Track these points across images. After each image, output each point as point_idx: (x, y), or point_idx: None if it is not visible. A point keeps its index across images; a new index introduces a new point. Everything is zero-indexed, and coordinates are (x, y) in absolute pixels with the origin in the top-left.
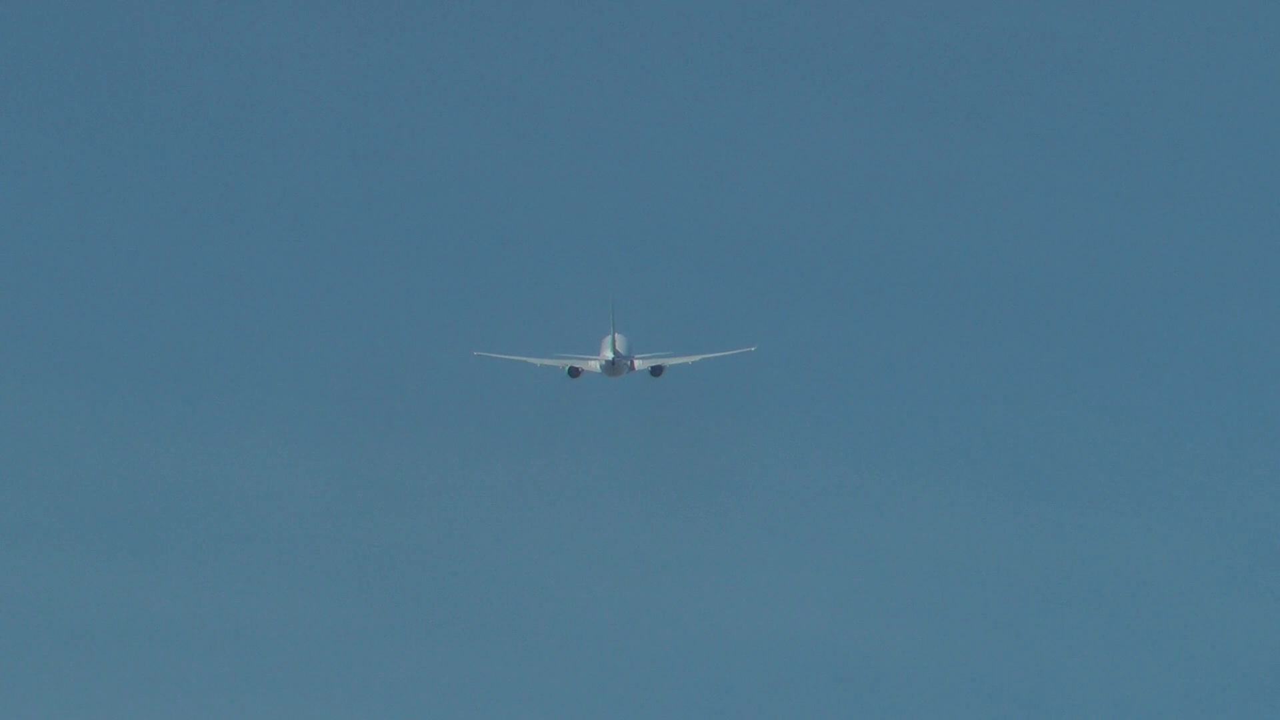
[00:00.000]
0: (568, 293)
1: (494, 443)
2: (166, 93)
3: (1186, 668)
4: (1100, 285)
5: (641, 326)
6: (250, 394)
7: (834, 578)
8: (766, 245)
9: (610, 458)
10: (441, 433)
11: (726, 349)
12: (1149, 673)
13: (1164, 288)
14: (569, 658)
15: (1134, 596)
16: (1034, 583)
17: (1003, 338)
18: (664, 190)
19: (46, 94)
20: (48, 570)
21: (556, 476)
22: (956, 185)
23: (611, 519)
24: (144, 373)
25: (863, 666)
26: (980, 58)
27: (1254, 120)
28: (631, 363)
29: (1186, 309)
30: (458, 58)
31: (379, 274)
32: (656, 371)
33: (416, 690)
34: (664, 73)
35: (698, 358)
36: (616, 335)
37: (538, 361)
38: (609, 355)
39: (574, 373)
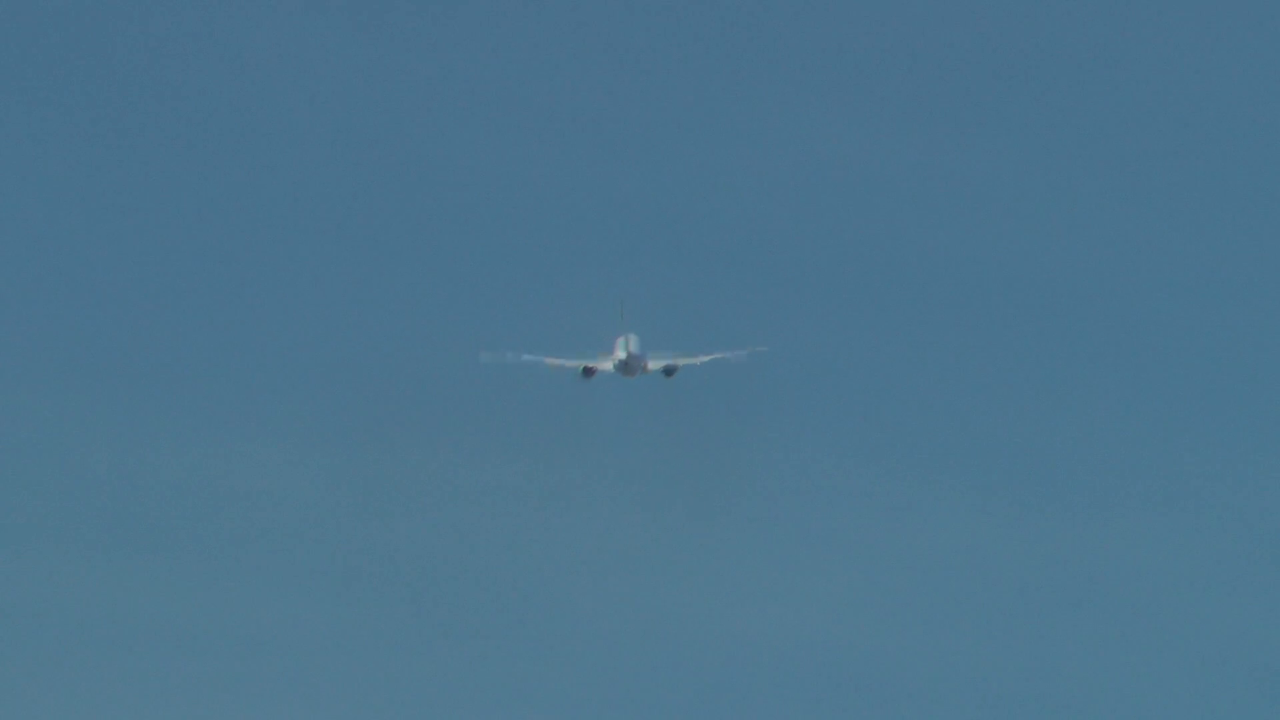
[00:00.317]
0: (580, 294)
1: (505, 444)
2: (167, 92)
3: (1187, 668)
4: (1102, 285)
5: (653, 327)
6: (259, 396)
7: (845, 579)
8: (773, 246)
9: (622, 458)
10: (453, 434)
11: (738, 349)
12: (1150, 673)
13: (1165, 288)
14: (579, 658)
15: (1139, 599)
16: (1041, 585)
17: (1008, 339)
18: (671, 191)
19: (45, 94)
20: (51, 570)
21: (567, 477)
22: (959, 185)
23: (622, 520)
24: (153, 375)
25: (875, 668)
26: (980, 58)
27: (1254, 120)
28: (645, 363)
29: (1187, 309)
30: (463, 58)
31: (386, 275)
32: (669, 372)
33: (426, 691)
34: (665, 72)
35: (710, 358)
36: (630, 336)
37: (550, 361)
38: (622, 355)
39: (588, 373)
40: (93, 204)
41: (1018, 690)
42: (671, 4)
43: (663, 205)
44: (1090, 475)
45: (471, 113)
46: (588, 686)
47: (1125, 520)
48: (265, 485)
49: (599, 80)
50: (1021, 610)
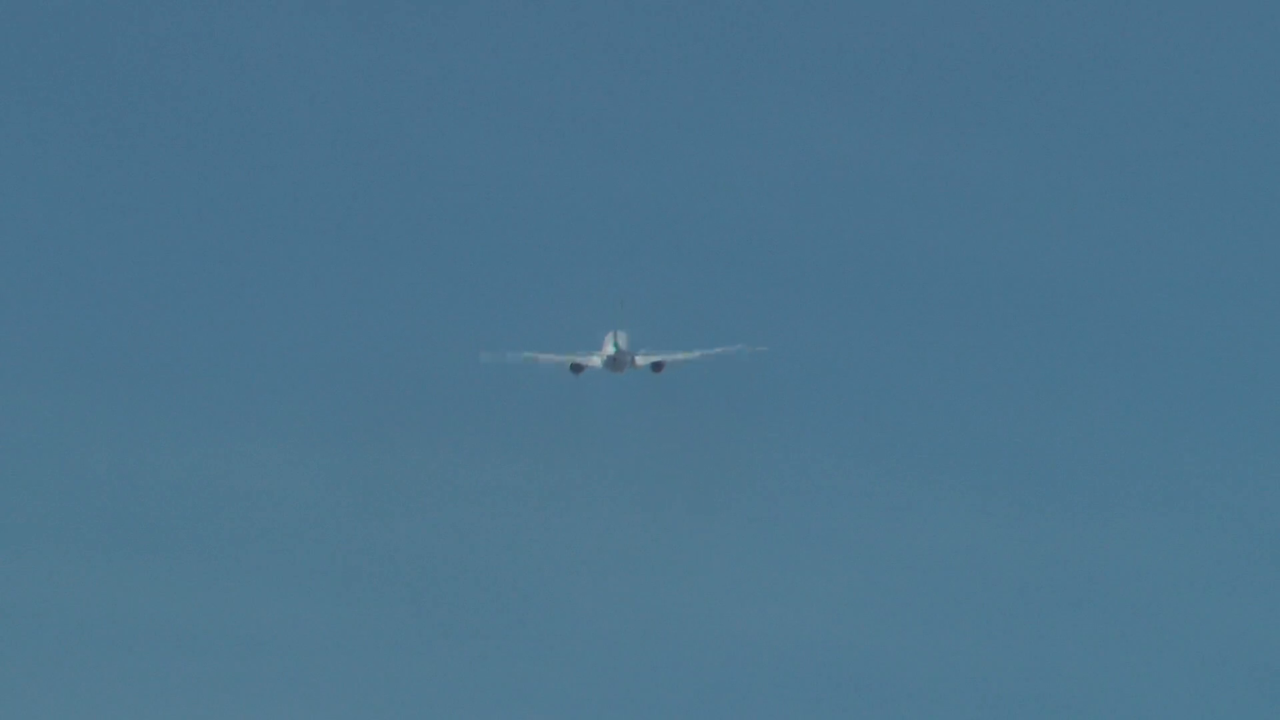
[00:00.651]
0: (569, 290)
1: (504, 443)
2: (167, 92)
3: (1187, 668)
4: (1102, 285)
5: (652, 326)
6: (259, 396)
7: (845, 579)
8: (773, 246)
9: (621, 457)
10: (452, 433)
11: (727, 346)
12: (1150, 673)
13: (1165, 288)
14: (579, 658)
15: (1139, 599)
16: (1041, 585)
17: (1008, 339)
18: (671, 191)
19: (45, 94)
20: (51, 570)
21: (566, 477)
22: (959, 185)
23: (621, 519)
24: (153, 375)
25: (875, 668)
26: (980, 58)
27: (1254, 120)
28: (633, 359)
29: (1187, 309)
30: (463, 58)
31: (386, 275)
32: (657, 368)
33: (427, 691)
34: (665, 72)
35: (698, 354)
36: (618, 332)
37: (540, 357)
38: (611, 351)
39: (576, 369)
40: (93, 204)
41: (1018, 690)
42: (671, 4)
43: (662, 205)
44: (1090, 475)
45: (471, 113)
46: (587, 686)
47: (1125, 520)
48: (265, 485)
49: (599, 80)
50: (1021, 610)
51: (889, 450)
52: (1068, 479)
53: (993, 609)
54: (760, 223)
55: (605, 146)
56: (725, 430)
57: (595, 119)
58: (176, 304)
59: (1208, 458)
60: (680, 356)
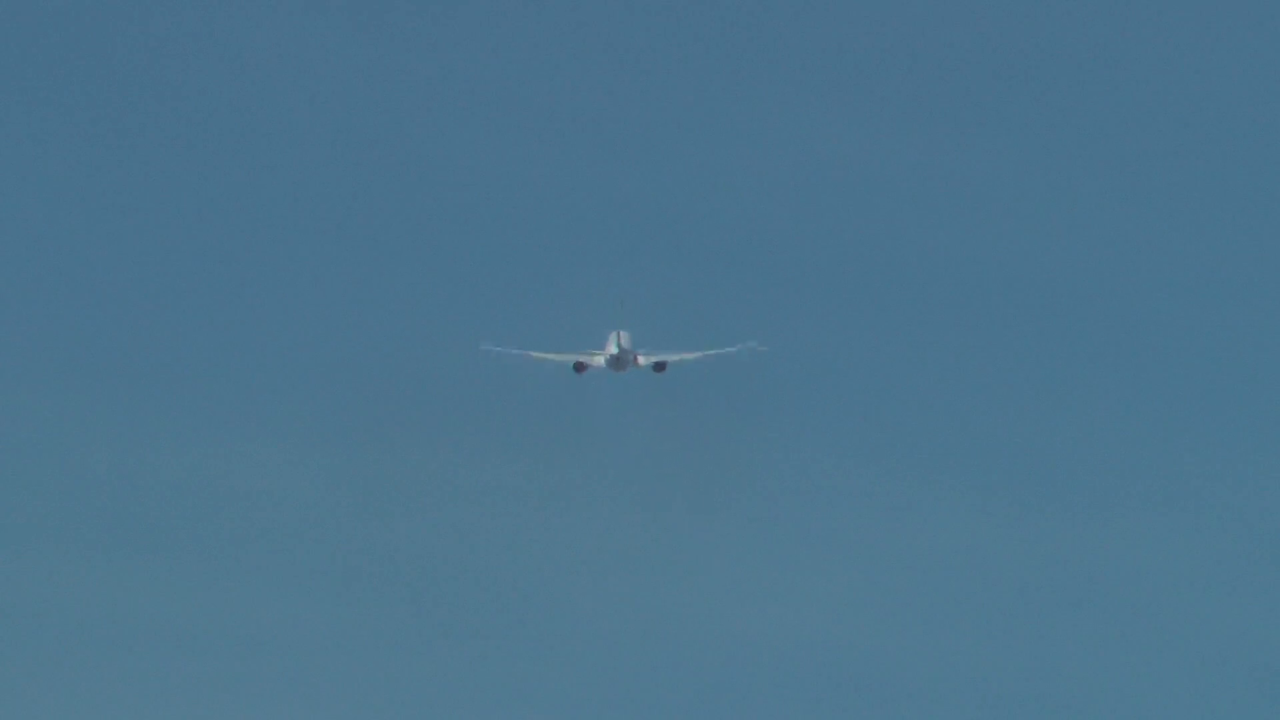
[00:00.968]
0: (581, 292)
1: (505, 443)
2: (167, 92)
3: (1187, 668)
4: (1102, 285)
5: (652, 326)
6: (259, 396)
7: (845, 579)
8: (773, 246)
9: (621, 457)
10: (452, 433)
11: (729, 346)
12: (1150, 673)
13: (1165, 288)
14: (579, 658)
15: (1139, 599)
16: (1041, 585)
17: (1008, 339)
18: (671, 191)
19: (45, 94)
20: (51, 570)
21: (566, 476)
22: (959, 185)
23: (621, 519)
24: (153, 375)
25: (875, 668)
26: (980, 58)
27: (1254, 120)
28: (636, 358)
29: (1187, 309)
30: (463, 58)
31: (386, 274)
32: (659, 367)
33: (427, 691)
34: (665, 72)
35: (700, 354)
36: (621, 332)
37: (542, 356)
38: (614, 350)
39: (579, 368)
40: (93, 204)
41: (1018, 690)
42: (671, 4)
43: (663, 205)
44: (1090, 475)
45: (471, 113)
46: (587, 686)
47: (1125, 520)
48: (265, 485)
49: (599, 80)
50: (1021, 610)
51: (889, 450)
52: (1068, 479)
53: (993, 609)
54: (760, 223)
55: (605, 146)
56: (726, 430)
57: (595, 119)
58: (176, 304)
59: (1208, 458)
60: (682, 357)
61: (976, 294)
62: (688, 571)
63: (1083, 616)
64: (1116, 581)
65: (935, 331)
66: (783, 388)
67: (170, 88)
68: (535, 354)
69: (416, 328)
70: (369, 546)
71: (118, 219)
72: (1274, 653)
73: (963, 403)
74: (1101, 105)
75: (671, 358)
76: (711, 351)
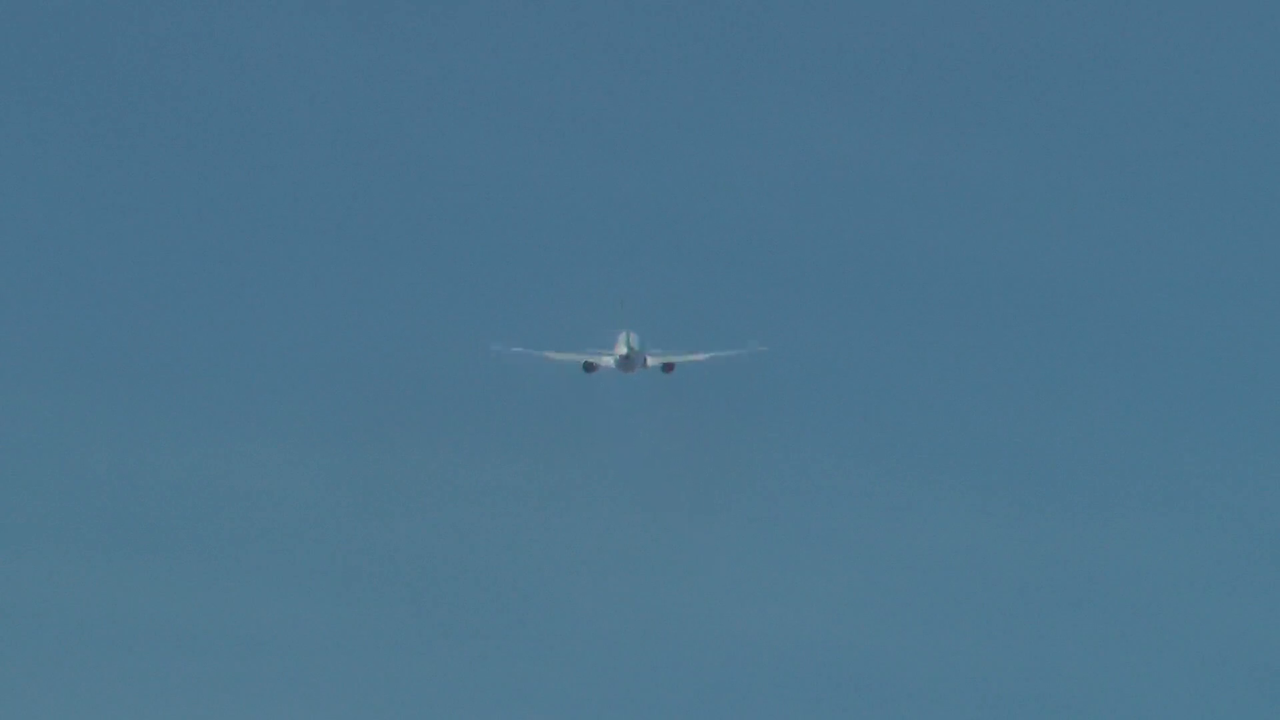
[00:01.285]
0: (581, 292)
1: (505, 442)
2: (167, 92)
3: (1187, 668)
4: (1102, 285)
5: (653, 325)
6: (259, 396)
7: (845, 579)
8: (773, 246)
9: (621, 457)
10: (452, 433)
11: (737, 348)
12: (1150, 673)
13: (1165, 288)
14: (579, 658)
15: (1139, 599)
16: (1041, 585)
17: (1008, 339)
18: (671, 191)
19: (45, 94)
20: (51, 570)
21: (567, 476)
22: (959, 185)
23: (622, 519)
24: (153, 375)
25: (875, 668)
26: (980, 58)
27: (1254, 121)
28: (645, 359)
29: (1187, 309)
30: (463, 58)
31: (386, 274)
32: (667, 368)
33: (426, 691)
34: (665, 73)
35: (709, 356)
36: (630, 332)
37: (553, 356)
38: (623, 351)
39: (589, 368)
40: (93, 204)
41: (1018, 690)
42: (671, 4)
43: (663, 205)
44: (1090, 475)
45: (471, 113)
46: (587, 686)
47: (1125, 520)
48: (265, 485)
49: (599, 80)
50: (1021, 610)
51: (889, 450)
52: (1068, 479)
53: (993, 609)
54: (761, 223)
55: (605, 146)
56: (729, 430)
57: (595, 119)
58: (176, 304)
59: (1208, 458)
60: (690, 358)
61: (976, 294)
62: (688, 571)
63: (1083, 616)
64: (1116, 581)
65: (935, 331)
66: (784, 388)
67: (170, 88)
68: (548, 354)
69: (417, 328)
70: (370, 546)
71: (118, 219)
72: (1274, 653)
73: (963, 403)
74: (1101, 105)
75: (680, 359)
76: (719, 353)
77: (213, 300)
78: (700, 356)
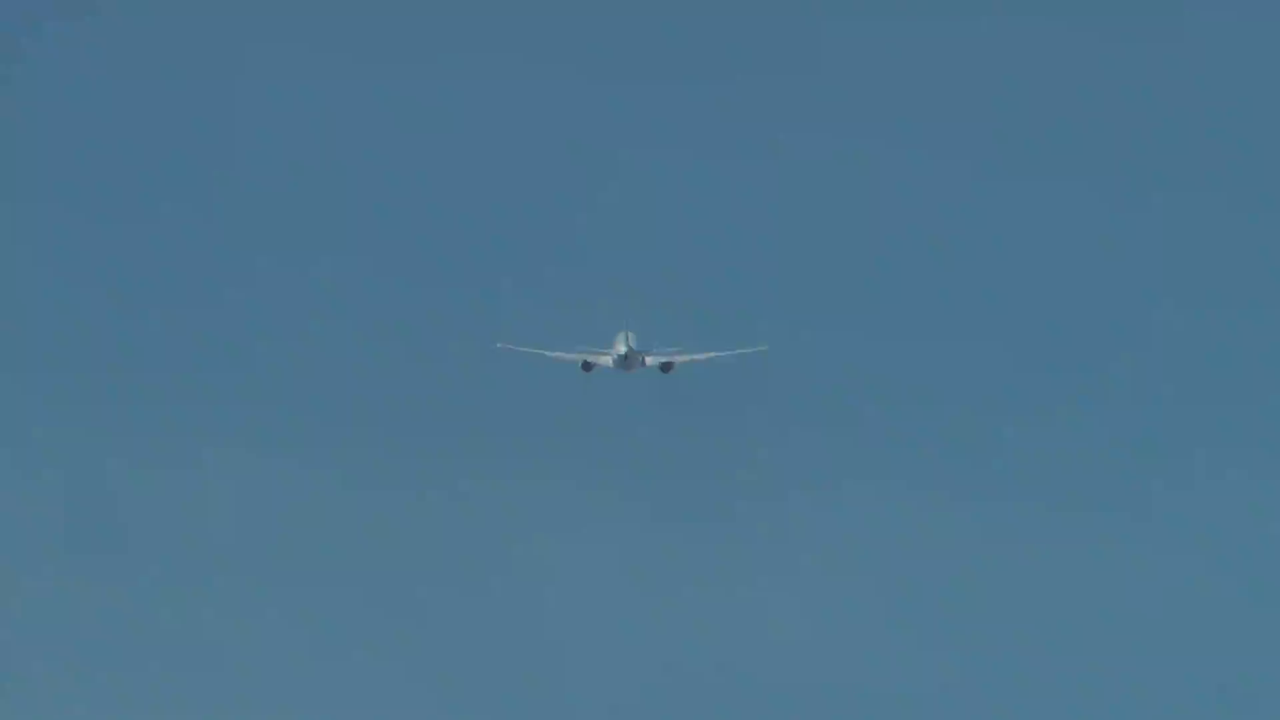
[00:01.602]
0: (581, 292)
1: (506, 442)
2: (168, 93)
3: (1187, 668)
4: (1101, 286)
5: (654, 325)
6: (259, 397)
7: (844, 580)
8: (768, 244)
9: (622, 457)
10: (452, 428)
11: (736, 348)
12: (1150, 674)
13: (1165, 288)
14: (579, 658)
15: (1138, 600)
16: (1041, 587)
17: (1009, 339)
18: (671, 191)
19: (44, 93)
20: (51, 572)
21: (560, 474)
22: (958, 185)
23: (622, 519)
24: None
25: (874, 669)
26: (980, 58)
27: (1254, 121)
28: (643, 358)
29: (1187, 309)
30: (463, 60)
31: (387, 275)
32: (666, 368)
33: (426, 690)
34: (665, 73)
35: (708, 355)
36: (629, 332)
37: (552, 355)
38: (622, 350)
39: (587, 367)
40: (93, 203)
41: (1018, 690)
42: (670, 5)
43: (663, 205)
44: (1089, 477)
45: (471, 113)
46: (588, 687)
47: (1124, 522)
48: (266, 486)
49: (598, 80)
50: (1021, 611)
51: (889, 450)
52: (1067, 481)
53: (992, 610)
54: (761, 223)
55: (605, 146)
56: (730, 430)
57: (595, 119)
58: (176, 304)
59: (1208, 458)
60: (690, 357)
61: (976, 294)
62: (689, 572)
63: (1082, 618)
64: (1115, 583)
65: (936, 332)
66: (784, 389)
67: (172, 87)
68: (549, 353)
69: (418, 328)
70: (369, 546)
71: (118, 219)
72: (1274, 653)
73: (963, 403)
74: (1102, 106)
75: (679, 358)
76: (718, 353)
77: (213, 300)
78: (700, 356)
